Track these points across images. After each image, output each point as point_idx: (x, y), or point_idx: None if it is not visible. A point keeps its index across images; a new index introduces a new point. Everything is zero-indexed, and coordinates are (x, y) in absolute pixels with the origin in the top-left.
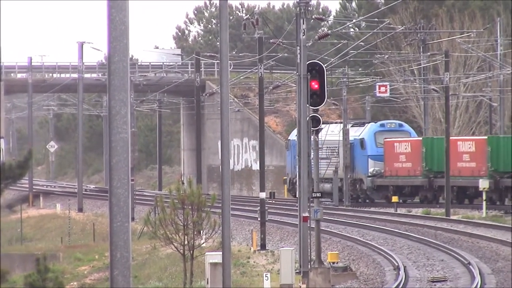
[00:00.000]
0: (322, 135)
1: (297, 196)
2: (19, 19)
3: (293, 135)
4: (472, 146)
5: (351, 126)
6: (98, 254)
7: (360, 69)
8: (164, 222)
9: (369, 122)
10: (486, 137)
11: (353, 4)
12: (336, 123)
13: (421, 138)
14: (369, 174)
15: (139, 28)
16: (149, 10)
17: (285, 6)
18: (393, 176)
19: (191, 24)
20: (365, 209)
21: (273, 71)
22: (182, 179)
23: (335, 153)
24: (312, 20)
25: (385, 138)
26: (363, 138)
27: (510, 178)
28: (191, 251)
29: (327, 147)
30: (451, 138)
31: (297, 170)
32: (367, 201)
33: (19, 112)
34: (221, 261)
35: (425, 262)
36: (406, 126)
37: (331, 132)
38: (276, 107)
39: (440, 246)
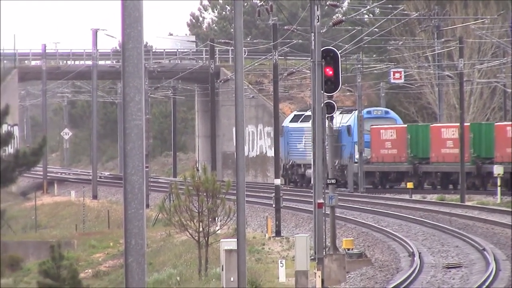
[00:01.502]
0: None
1: (291, 182)
2: (33, 7)
3: (287, 122)
4: (456, 132)
5: (339, 113)
6: (113, 241)
7: (374, 56)
8: (179, 209)
9: (356, 109)
10: (468, 123)
11: None
12: None
13: (406, 125)
14: (356, 161)
15: (153, 15)
16: None
17: None
18: (379, 163)
19: (205, 11)
20: (380, 195)
21: (288, 57)
22: (197, 165)
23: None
24: (327, 7)
25: (372, 125)
26: (349, 125)
27: (492, 164)
28: (206, 238)
29: None
30: (434, 125)
31: (290, 155)
32: (355, 187)
33: (33, 99)
34: (236, 248)
35: (440, 248)
36: (392, 113)
37: None
38: (291, 93)
39: (454, 232)
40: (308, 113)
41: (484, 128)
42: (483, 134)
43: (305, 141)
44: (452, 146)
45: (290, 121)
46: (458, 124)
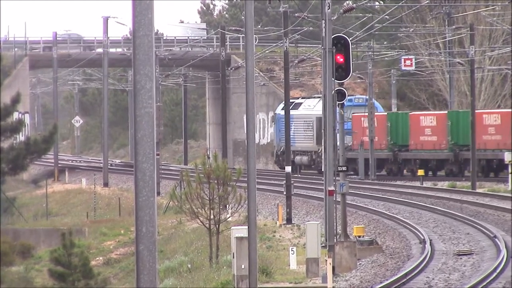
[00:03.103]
0: (300, 110)
1: (282, 168)
2: None
3: (279, 109)
4: (434, 120)
5: (319, 101)
6: (124, 229)
7: (385, 43)
8: (189, 196)
9: None
10: (446, 111)
11: None
12: (314, 97)
13: (386, 113)
14: (338, 148)
15: (164, 2)
16: None
17: None
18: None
19: None
20: (391, 183)
21: (298, 45)
22: (208, 153)
23: (310, 127)
24: None
25: (353, 113)
26: None
27: (469, 151)
28: (217, 226)
29: (304, 121)
30: (413, 113)
31: (281, 142)
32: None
33: (44, 87)
34: (247, 235)
35: (451, 236)
36: (373, 101)
37: (307, 107)
38: (302, 81)
39: (466, 219)
40: (298, 100)
41: (461, 116)
42: (461, 121)
43: (294, 128)
44: (430, 134)
45: (281, 109)
46: (437, 112)
